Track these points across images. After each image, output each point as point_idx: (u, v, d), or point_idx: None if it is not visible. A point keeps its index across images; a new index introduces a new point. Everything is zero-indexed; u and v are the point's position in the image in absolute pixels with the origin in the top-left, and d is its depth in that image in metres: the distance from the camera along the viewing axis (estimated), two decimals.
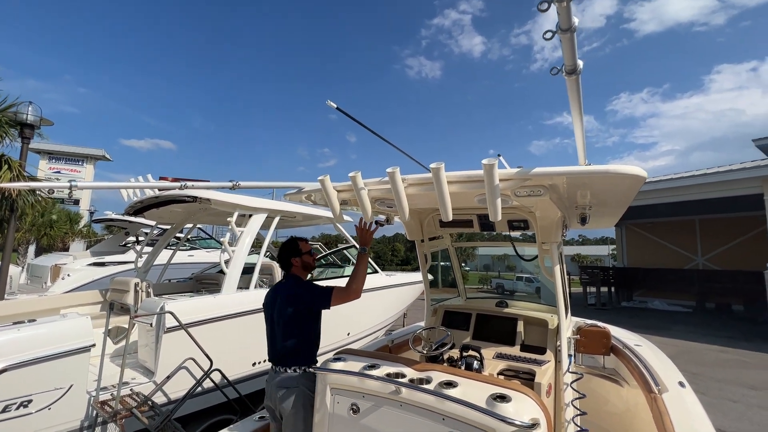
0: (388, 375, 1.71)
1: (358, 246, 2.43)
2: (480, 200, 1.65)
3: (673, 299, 16.38)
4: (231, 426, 2.10)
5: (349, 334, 5.27)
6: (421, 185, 1.58)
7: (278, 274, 5.23)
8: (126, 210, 4.92)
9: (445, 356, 2.47)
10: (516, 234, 3.11)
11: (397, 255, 52.50)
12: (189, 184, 2.34)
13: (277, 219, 4.72)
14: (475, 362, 2.21)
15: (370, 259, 6.75)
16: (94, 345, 2.83)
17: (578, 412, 2.14)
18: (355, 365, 1.85)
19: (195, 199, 3.99)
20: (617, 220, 2.36)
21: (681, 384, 2.25)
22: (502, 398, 1.44)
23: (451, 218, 1.48)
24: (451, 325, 2.94)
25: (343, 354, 2.08)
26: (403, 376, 1.71)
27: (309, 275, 2.51)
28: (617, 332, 3.41)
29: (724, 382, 6.64)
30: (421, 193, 1.58)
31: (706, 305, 15.53)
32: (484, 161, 1.31)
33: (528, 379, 2.24)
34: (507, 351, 2.57)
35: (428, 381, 1.64)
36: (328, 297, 2.20)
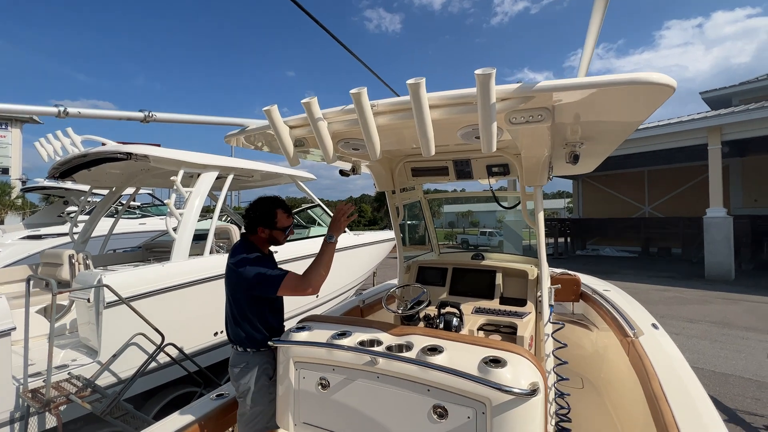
0: (362, 343, 1.50)
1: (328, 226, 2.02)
2: (464, 134, 1.39)
3: (622, 246, 17.75)
4: (185, 408, 1.85)
5: (317, 296, 5.09)
6: (395, 112, 1.27)
7: (235, 238, 4.84)
8: (50, 173, 4.24)
9: (422, 314, 2.33)
10: (492, 183, 2.94)
11: (364, 216, 52.48)
12: (73, 110, 1.84)
13: (230, 178, 4.25)
14: (455, 319, 2.08)
15: None
16: (14, 328, 2.42)
17: (559, 362, 2.09)
18: (323, 334, 1.62)
19: (129, 156, 3.44)
20: (603, 159, 2.22)
21: (654, 326, 2.26)
22: (496, 362, 1.26)
23: (433, 152, 1.21)
24: (426, 282, 2.80)
25: (307, 322, 1.83)
26: (379, 343, 1.51)
27: (269, 248, 2.08)
28: (586, 279, 3.44)
29: (668, 317, 7.28)
30: (395, 123, 1.28)
31: (650, 250, 16.94)
32: (478, 71, 1.02)
33: (509, 333, 2.16)
34: (486, 305, 2.47)
35: (408, 347, 1.43)
36: (275, 284, 1.77)
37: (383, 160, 2.37)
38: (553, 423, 2.06)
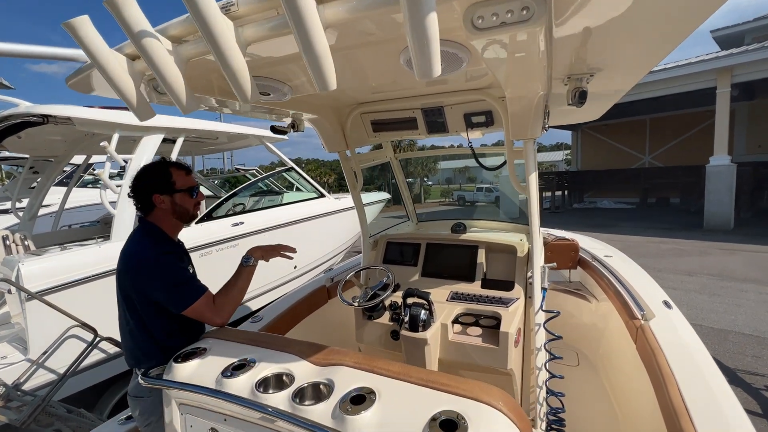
0: (262, 383, 1.07)
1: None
2: (408, 60, 0.89)
3: (620, 197, 17.42)
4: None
5: (296, 267, 4.74)
6: (268, 18, 0.75)
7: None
8: None
9: (387, 302, 1.94)
10: (477, 137, 2.43)
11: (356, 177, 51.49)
12: None
13: (180, 141, 3.70)
14: (422, 312, 1.70)
15: (314, 181, 5.98)
16: None
17: (552, 336, 1.75)
18: (217, 365, 1.17)
19: (45, 118, 2.88)
20: (616, 100, 1.70)
21: (666, 304, 1.89)
22: (450, 427, 0.83)
23: (331, 84, 0.71)
24: (396, 261, 2.39)
25: (207, 340, 1.36)
26: (288, 381, 1.08)
27: (179, 231, 1.58)
28: (585, 243, 3.05)
29: (665, 271, 7.06)
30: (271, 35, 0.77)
31: (648, 201, 16.65)
32: None
33: (492, 327, 1.79)
34: (465, 289, 2.07)
35: (326, 392, 1.01)
36: (184, 302, 1.36)
37: (328, 111, 1.84)
38: (544, 415, 1.75)
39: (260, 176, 5.96)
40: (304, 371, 1.10)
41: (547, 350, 1.74)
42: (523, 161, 1.51)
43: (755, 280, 6.38)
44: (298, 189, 6.09)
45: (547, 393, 1.74)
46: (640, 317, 1.79)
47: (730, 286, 6.15)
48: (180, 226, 1.55)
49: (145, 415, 1.43)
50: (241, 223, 4.12)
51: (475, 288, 2.06)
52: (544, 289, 1.74)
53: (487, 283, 2.07)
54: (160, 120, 3.49)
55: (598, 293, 2.50)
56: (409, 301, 1.78)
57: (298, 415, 0.95)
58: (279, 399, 1.01)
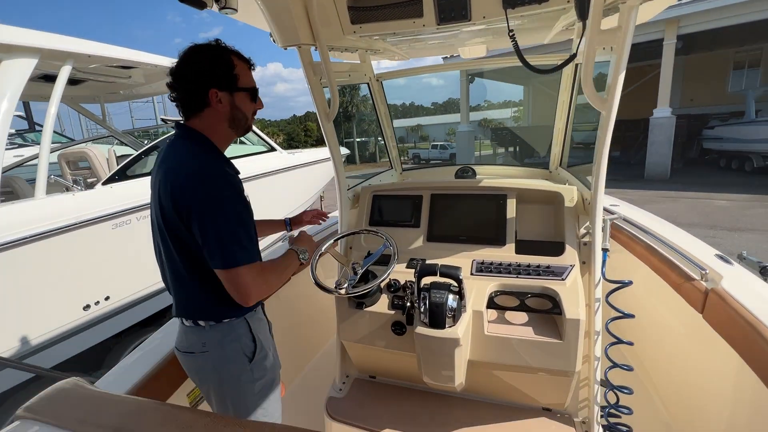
0: None
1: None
2: None
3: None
4: None
5: None
6: None
7: (101, 166, 3.40)
8: None
9: (384, 283, 1.39)
10: (479, 53, 1.87)
11: (311, 135, 48.80)
12: None
13: (65, 71, 2.69)
14: (450, 297, 1.18)
15: (264, 135, 5.09)
16: None
17: (615, 340, 1.33)
18: None
19: None
20: None
21: (724, 259, 1.54)
22: None
23: None
24: (388, 221, 1.77)
25: (29, 417, 0.57)
26: None
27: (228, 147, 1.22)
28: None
29: None
30: None
31: None
32: None
33: (546, 311, 1.31)
34: (493, 256, 1.51)
35: None
36: (229, 263, 1.01)
37: None
38: (601, 417, 1.37)
39: None
40: None
41: (609, 332, 1.34)
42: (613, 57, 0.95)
43: (698, 224, 6.77)
44: (241, 141, 5.20)
45: (607, 388, 1.35)
46: (698, 278, 1.43)
47: None
48: (231, 139, 1.21)
49: (199, 369, 1.16)
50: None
51: (507, 254, 1.50)
52: (604, 251, 1.30)
53: (524, 247, 1.52)
54: (29, 36, 2.46)
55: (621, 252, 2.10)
56: (426, 282, 1.25)
57: None
58: None
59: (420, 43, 1.76)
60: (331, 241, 1.48)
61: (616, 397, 1.37)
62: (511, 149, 18.40)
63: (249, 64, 1.16)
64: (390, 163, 2.54)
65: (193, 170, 1.01)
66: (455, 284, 1.23)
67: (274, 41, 1.30)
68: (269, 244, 2.68)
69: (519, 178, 1.87)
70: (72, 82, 3.51)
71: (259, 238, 1.24)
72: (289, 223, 1.60)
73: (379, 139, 2.67)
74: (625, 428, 1.37)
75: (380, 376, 1.67)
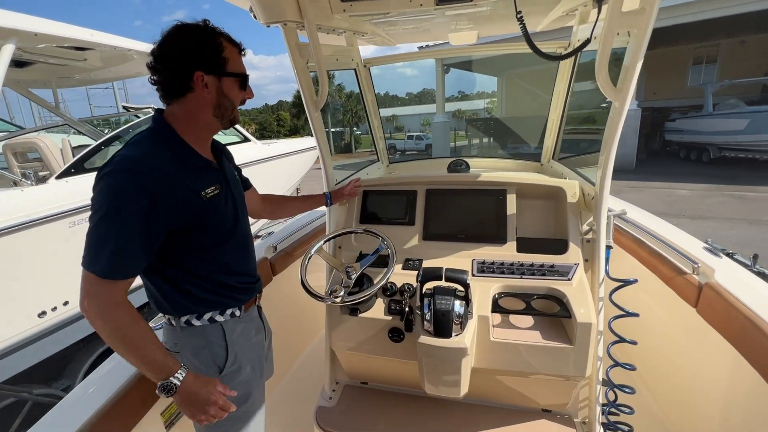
0: None
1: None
2: None
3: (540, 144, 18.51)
4: None
5: None
6: None
7: (54, 157, 3.08)
8: None
9: (382, 283, 1.30)
10: (469, 41, 1.79)
11: (283, 125, 47.48)
12: None
13: (8, 50, 2.39)
14: (457, 303, 1.10)
15: (239, 127, 4.82)
16: None
17: (617, 338, 1.30)
18: None
19: None
20: None
21: (713, 252, 1.55)
22: None
23: None
24: (380, 219, 1.66)
25: None
26: None
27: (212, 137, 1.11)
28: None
29: None
30: None
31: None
32: None
33: (552, 314, 1.26)
34: (494, 255, 1.45)
35: None
36: (83, 257, 0.89)
37: None
38: (602, 416, 1.35)
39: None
40: None
41: (612, 331, 1.31)
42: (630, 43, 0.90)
43: (664, 213, 7.09)
44: None
45: (608, 387, 1.33)
46: (691, 272, 1.42)
47: None
48: (213, 131, 1.07)
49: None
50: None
51: (507, 253, 1.44)
52: (608, 248, 1.26)
53: (525, 245, 1.46)
54: None
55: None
56: (428, 287, 1.16)
57: None
58: None
59: (411, 26, 1.66)
60: (321, 242, 1.37)
61: (615, 395, 1.36)
62: (486, 140, 18.65)
63: (240, 49, 1.04)
64: (376, 155, 2.43)
65: (114, 159, 0.94)
66: (461, 288, 1.15)
67: (255, 17, 1.15)
68: (310, 219, 2.31)
69: (513, 172, 1.81)
70: (18, 63, 3.16)
71: (300, 213, 1.41)
72: (330, 197, 1.62)
73: (355, 129, 2.54)
74: (626, 427, 1.37)
75: (372, 382, 1.59)
